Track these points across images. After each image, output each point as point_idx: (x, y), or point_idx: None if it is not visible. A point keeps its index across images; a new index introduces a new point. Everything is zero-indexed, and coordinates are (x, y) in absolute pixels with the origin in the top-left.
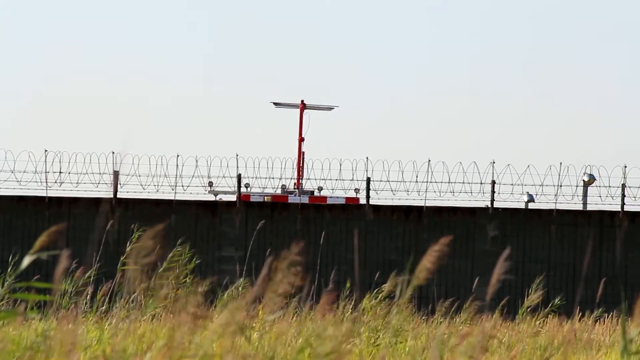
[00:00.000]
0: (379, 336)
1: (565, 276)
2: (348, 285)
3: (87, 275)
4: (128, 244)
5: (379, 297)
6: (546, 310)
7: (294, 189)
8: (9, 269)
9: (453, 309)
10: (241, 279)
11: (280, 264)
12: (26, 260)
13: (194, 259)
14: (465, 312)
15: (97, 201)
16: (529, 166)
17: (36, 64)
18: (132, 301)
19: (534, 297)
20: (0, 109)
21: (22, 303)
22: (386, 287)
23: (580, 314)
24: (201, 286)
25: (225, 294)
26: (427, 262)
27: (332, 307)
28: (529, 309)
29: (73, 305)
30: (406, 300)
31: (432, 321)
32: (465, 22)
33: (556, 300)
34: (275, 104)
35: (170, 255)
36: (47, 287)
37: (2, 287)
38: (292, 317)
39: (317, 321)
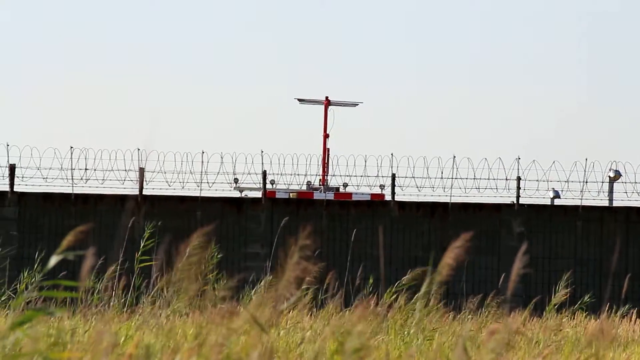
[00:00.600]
0: (406, 333)
1: (591, 272)
2: (371, 281)
3: (111, 271)
4: (143, 240)
5: (401, 292)
6: (574, 307)
7: (319, 185)
8: (35, 267)
9: (480, 305)
10: (267, 276)
11: (292, 250)
12: (53, 260)
13: (217, 254)
14: (491, 308)
15: (122, 198)
16: (554, 162)
17: (61, 62)
18: (157, 296)
19: (561, 294)
20: (26, 106)
21: (49, 302)
22: (406, 279)
23: (608, 310)
24: (227, 283)
25: (253, 291)
26: (449, 258)
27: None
28: (556, 306)
29: (100, 302)
30: (426, 295)
31: (459, 318)
32: (486, 15)
33: (585, 298)
34: (299, 100)
35: (190, 248)
36: (72, 285)
37: (30, 286)
38: (317, 314)
39: (344, 317)
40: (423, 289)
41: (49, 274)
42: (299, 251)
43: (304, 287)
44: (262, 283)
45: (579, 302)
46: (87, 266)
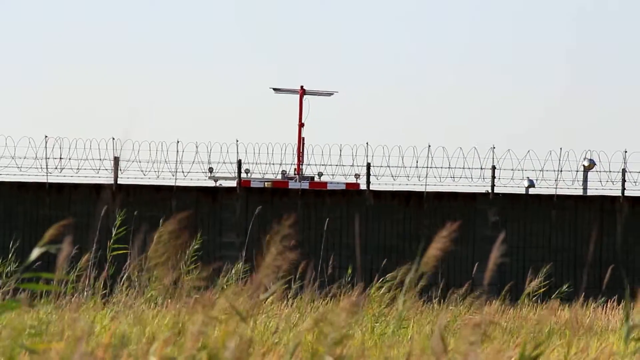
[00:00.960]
0: (381, 324)
1: (566, 261)
2: (349, 271)
3: (84, 260)
4: (114, 228)
5: (385, 287)
6: (551, 296)
7: (294, 174)
8: (9, 256)
9: (454, 295)
10: (239, 264)
11: (273, 239)
12: (35, 253)
13: (194, 244)
14: (466, 298)
15: (97, 187)
16: (529, 151)
17: (35, 50)
18: (130, 286)
19: (534, 283)
20: (0, 96)
21: (25, 292)
22: (392, 275)
23: (584, 299)
24: (201, 272)
25: (225, 279)
26: (435, 249)
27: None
28: (531, 295)
29: (74, 292)
30: (413, 289)
31: (433, 307)
32: (463, 6)
33: (562, 287)
34: (274, 89)
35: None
36: (51, 277)
37: (7, 277)
38: (292, 302)
39: (324, 308)
40: (407, 280)
41: (23, 265)
42: (280, 241)
43: (280, 276)
44: (234, 272)
45: (551, 291)
46: (63, 256)
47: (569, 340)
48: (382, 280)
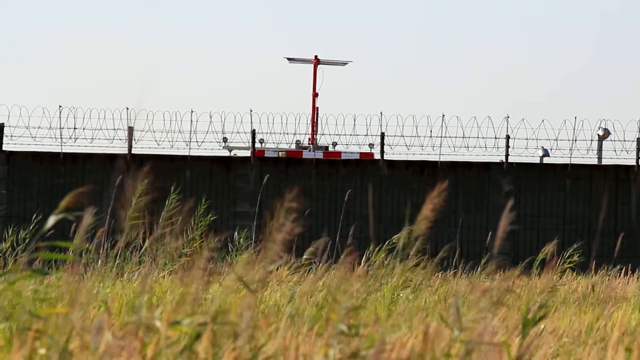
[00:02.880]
0: (395, 293)
1: (580, 231)
2: (372, 246)
3: (100, 231)
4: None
5: (384, 250)
6: (564, 265)
7: (308, 144)
8: (30, 227)
9: (468, 264)
10: (243, 232)
11: (279, 211)
12: (51, 221)
13: (209, 215)
14: (479, 267)
15: (111, 157)
16: (543, 121)
17: (50, 21)
18: (142, 255)
19: (546, 250)
20: (14, 66)
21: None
22: (395, 238)
23: (597, 269)
24: (212, 242)
25: (235, 249)
26: (427, 209)
27: (353, 264)
28: (544, 264)
29: (91, 261)
30: (413, 252)
31: (448, 276)
32: None
33: (574, 256)
34: (288, 59)
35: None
36: (67, 246)
37: (22, 243)
38: (309, 273)
39: (336, 277)
40: (401, 241)
41: (39, 234)
42: (286, 213)
43: (289, 247)
44: (242, 241)
45: (565, 259)
46: (83, 226)
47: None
48: (387, 243)
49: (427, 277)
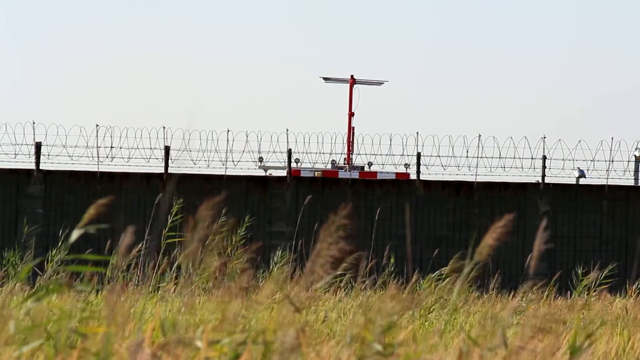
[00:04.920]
0: (432, 313)
1: (617, 252)
2: (392, 260)
3: (137, 249)
4: (169, 217)
5: (440, 277)
6: (600, 287)
7: (344, 164)
8: (60, 244)
9: (505, 285)
10: (282, 251)
11: (328, 228)
12: (75, 234)
13: (242, 232)
14: (518, 288)
15: (148, 176)
16: (580, 141)
17: (86, 40)
18: (180, 274)
19: (591, 276)
20: (51, 85)
21: (69, 276)
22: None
23: (634, 290)
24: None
25: (274, 267)
26: (491, 238)
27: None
28: (586, 286)
29: (127, 279)
30: (465, 278)
31: (486, 298)
32: None
33: (611, 278)
34: (325, 79)
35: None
36: (99, 260)
37: (54, 262)
38: (345, 293)
39: (374, 297)
40: (466, 271)
41: (74, 251)
42: (336, 230)
43: (339, 269)
44: (279, 258)
45: (600, 281)
46: (125, 243)
47: (620, 330)
48: (436, 274)
49: (464, 298)
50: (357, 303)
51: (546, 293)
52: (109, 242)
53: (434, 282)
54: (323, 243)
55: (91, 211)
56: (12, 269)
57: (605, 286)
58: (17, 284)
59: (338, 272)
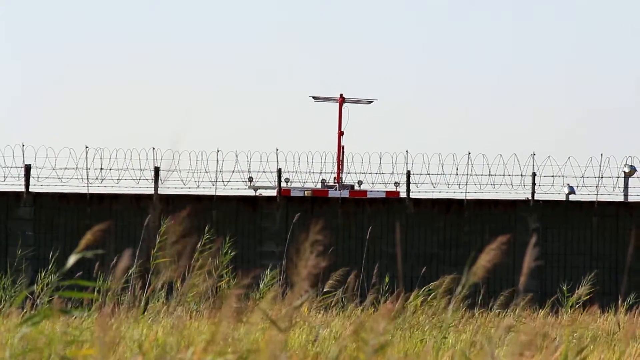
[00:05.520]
0: (423, 331)
1: (607, 268)
2: (387, 279)
3: (129, 272)
4: (157, 237)
5: (431, 295)
6: (593, 304)
7: (334, 183)
8: (50, 266)
9: (495, 302)
10: (271, 270)
11: (303, 246)
12: (72, 259)
13: (230, 252)
14: (508, 305)
15: (138, 197)
16: (569, 158)
17: (75, 62)
18: (168, 295)
19: (581, 292)
20: (40, 107)
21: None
22: (434, 285)
23: (624, 306)
24: (239, 281)
25: (262, 287)
26: (485, 260)
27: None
28: (576, 303)
29: (117, 301)
30: (461, 298)
31: (476, 315)
32: (503, 14)
33: (601, 294)
34: (314, 98)
35: (199, 244)
36: (89, 285)
37: (47, 286)
38: (337, 312)
39: (363, 315)
40: (459, 291)
41: (65, 274)
42: (311, 247)
43: (315, 283)
44: (268, 279)
45: (590, 297)
46: (121, 267)
47: (612, 346)
48: (424, 289)
49: (454, 316)
50: (350, 322)
51: (536, 310)
52: (97, 264)
53: (423, 300)
54: (300, 261)
55: (88, 237)
56: (2, 292)
57: (595, 303)
58: (12, 308)
59: (325, 290)
